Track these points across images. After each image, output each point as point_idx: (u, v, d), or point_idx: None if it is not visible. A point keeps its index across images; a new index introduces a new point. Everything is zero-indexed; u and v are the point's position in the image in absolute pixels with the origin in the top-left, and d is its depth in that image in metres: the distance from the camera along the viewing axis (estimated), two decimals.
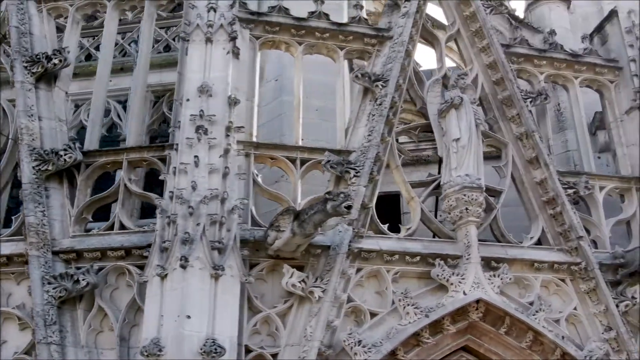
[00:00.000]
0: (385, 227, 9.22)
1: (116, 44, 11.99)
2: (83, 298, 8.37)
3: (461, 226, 9.09)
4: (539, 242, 9.70)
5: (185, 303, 7.47)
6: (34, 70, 9.44)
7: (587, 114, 11.85)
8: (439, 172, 9.65)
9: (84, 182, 9.10)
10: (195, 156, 8.21)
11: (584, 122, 10.96)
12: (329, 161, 9.05)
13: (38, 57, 9.49)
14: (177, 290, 7.55)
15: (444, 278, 8.77)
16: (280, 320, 8.36)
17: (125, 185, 9.02)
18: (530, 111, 10.14)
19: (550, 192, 9.68)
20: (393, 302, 8.63)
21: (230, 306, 7.78)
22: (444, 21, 10.92)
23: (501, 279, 8.94)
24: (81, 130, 14.06)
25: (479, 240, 9.50)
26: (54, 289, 8.14)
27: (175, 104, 9.19)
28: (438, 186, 9.52)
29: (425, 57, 20.88)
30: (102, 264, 8.50)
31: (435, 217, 10.05)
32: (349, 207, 7.46)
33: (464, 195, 9.06)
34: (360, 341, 8.17)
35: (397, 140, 9.87)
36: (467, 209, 9.04)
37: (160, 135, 13.18)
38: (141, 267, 8.13)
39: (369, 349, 8.16)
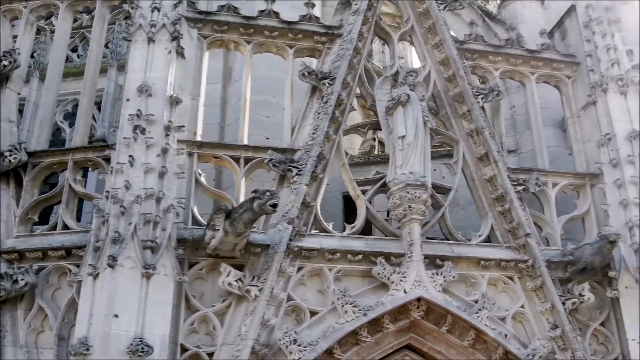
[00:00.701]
0: (330, 225, 9.19)
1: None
2: (24, 298, 8.43)
3: (405, 224, 9.04)
4: (489, 240, 9.62)
5: (113, 302, 7.52)
6: None
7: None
8: None
9: (31, 182, 9.16)
10: (130, 156, 8.24)
11: (538, 119, 10.83)
12: (271, 160, 9.05)
13: None
14: (106, 289, 7.60)
15: (385, 276, 8.73)
16: (219, 319, 8.36)
17: (70, 185, 9.07)
18: (481, 108, 10.05)
19: (499, 189, 9.60)
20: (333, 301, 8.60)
21: (163, 305, 7.81)
22: None
23: (444, 277, 8.87)
24: (56, 132, 14.27)
25: (429, 238, 9.50)
26: None
27: (118, 104, 9.23)
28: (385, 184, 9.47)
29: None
30: (43, 264, 8.58)
31: None
32: (274, 206, 7.46)
33: (407, 193, 9.00)
34: (295, 340, 8.14)
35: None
36: (410, 206, 8.98)
37: None
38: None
39: (305, 347, 8.13)
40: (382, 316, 8.53)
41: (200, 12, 9.96)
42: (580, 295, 9.09)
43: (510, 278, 9.31)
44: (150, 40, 9.09)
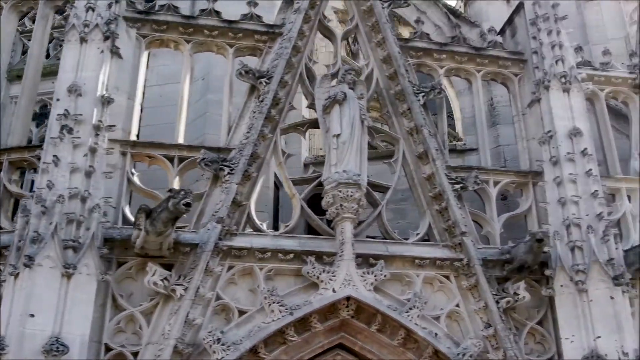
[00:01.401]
0: (264, 224, 9.18)
1: None
2: None
3: (338, 223, 9.00)
4: (427, 239, 9.57)
5: (29, 302, 7.54)
6: None
7: None
8: None
9: None
10: (54, 155, 8.26)
11: (483, 117, 10.76)
12: (203, 159, 9.03)
13: None
14: (24, 289, 7.61)
15: (314, 275, 8.69)
16: (145, 319, 8.35)
17: (4, 185, 9.09)
18: (422, 105, 9.97)
19: (437, 187, 9.53)
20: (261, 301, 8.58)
21: (84, 304, 7.82)
22: None
23: (375, 276, 8.82)
24: None
25: (369, 237, 9.46)
26: None
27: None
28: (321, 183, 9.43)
29: None
30: None
31: None
32: (187, 205, 7.45)
33: (340, 191, 8.96)
34: (219, 339, 8.12)
35: None
36: (342, 205, 8.94)
37: None
38: None
39: (228, 347, 8.11)
40: (309, 315, 8.49)
41: (140, 12, 9.96)
42: (515, 294, 8.99)
43: (447, 277, 9.23)
44: (83, 40, 9.10)
